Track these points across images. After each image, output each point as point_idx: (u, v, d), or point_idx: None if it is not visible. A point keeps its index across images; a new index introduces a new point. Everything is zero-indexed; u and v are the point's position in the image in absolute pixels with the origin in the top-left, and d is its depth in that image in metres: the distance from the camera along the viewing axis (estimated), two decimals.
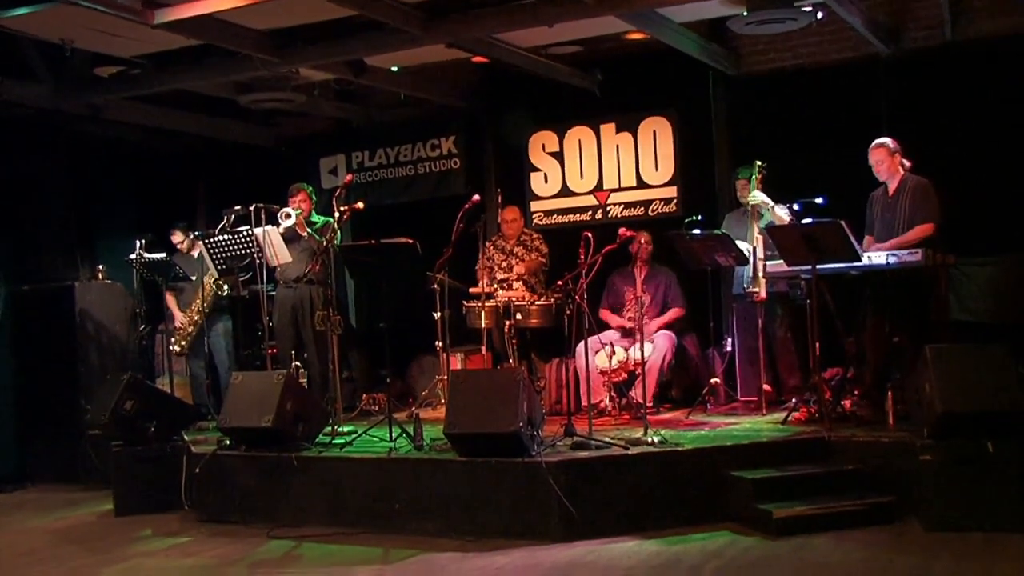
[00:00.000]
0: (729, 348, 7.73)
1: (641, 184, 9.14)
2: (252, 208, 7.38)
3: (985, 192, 7.49)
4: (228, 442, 6.75)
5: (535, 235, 8.71)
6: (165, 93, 8.95)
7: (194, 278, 8.32)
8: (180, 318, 8.73)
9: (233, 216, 7.58)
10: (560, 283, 6.66)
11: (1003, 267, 7.43)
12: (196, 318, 8.55)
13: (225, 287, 8.21)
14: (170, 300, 8.82)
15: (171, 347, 8.76)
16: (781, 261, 6.77)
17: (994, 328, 7.11)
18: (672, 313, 7.95)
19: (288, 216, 7.55)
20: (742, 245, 7.24)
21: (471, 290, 8.08)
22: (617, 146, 9.25)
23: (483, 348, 8.00)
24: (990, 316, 7.36)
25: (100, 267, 9.12)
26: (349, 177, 8.80)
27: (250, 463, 6.54)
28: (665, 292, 8.00)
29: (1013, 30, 7.60)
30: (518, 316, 7.57)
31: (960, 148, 7.62)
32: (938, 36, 7.86)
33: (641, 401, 6.92)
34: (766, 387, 7.32)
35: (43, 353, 8.67)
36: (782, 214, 7.15)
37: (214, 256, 7.52)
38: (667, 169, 9.02)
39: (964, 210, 7.04)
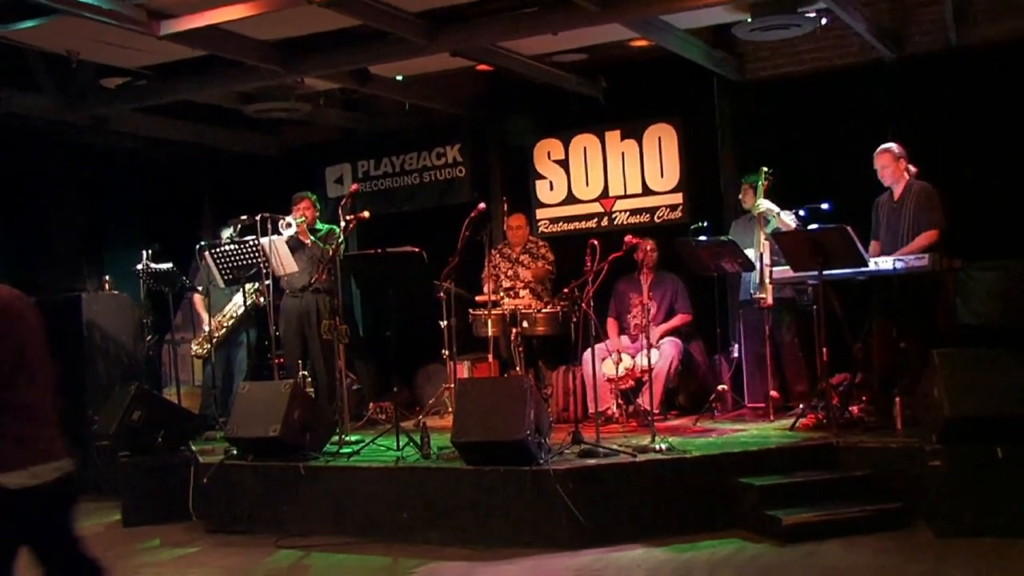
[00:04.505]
0: (736, 354, 7.72)
1: (647, 191, 9.14)
2: (258, 218, 7.36)
3: (991, 195, 7.49)
4: (235, 452, 6.74)
5: (541, 243, 8.71)
6: (170, 104, 8.96)
7: (200, 288, 8.29)
8: (209, 321, 8.22)
9: (239, 226, 7.57)
10: (566, 291, 6.65)
11: (1010, 270, 7.41)
12: (229, 325, 8.38)
13: (262, 300, 8.06)
14: (198, 302, 8.57)
15: (192, 348, 8.56)
16: (788, 267, 6.76)
17: (1002, 332, 7.08)
18: (678, 319, 7.94)
19: (289, 225, 7.54)
20: (748, 251, 7.23)
21: (477, 298, 8.09)
22: (622, 153, 9.25)
23: (490, 356, 7.98)
24: (997, 320, 7.34)
25: (107, 278, 9.08)
26: (355, 186, 8.78)
27: (257, 473, 6.53)
28: (672, 299, 7.98)
29: (1017, 34, 7.59)
30: (524, 324, 7.57)
31: (965, 152, 7.61)
32: (942, 41, 7.85)
33: (648, 408, 6.91)
34: (773, 393, 7.30)
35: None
36: (788, 220, 7.14)
37: (220, 266, 7.51)
38: (672, 176, 9.02)
39: (970, 214, 7.05)
